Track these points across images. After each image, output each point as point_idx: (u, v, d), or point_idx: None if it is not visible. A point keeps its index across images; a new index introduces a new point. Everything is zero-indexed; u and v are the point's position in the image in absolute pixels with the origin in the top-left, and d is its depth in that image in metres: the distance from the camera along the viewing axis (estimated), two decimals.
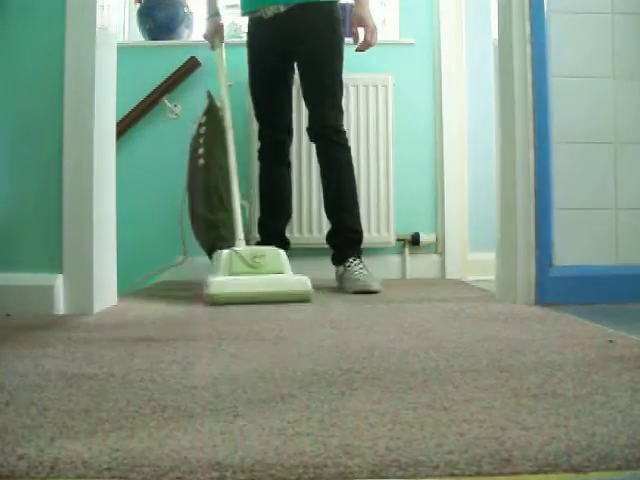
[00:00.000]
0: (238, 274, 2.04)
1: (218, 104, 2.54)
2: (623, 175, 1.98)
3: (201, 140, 2.61)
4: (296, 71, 2.55)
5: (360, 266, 2.37)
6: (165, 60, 2.99)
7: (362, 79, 2.66)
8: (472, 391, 0.91)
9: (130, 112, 2.94)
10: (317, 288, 2.13)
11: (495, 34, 2.05)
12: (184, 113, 3.04)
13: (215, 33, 2.51)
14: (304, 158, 2.92)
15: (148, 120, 3.03)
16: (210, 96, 2.64)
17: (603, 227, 1.97)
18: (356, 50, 2.48)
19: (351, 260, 2.38)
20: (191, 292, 2.32)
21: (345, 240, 2.43)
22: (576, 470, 0.62)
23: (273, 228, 2.58)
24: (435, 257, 3.01)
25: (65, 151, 1.81)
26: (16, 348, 1.28)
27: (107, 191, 1.95)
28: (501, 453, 0.65)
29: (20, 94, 1.84)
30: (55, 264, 1.80)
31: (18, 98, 1.84)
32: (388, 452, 0.66)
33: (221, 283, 2.01)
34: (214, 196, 2.53)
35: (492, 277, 2.11)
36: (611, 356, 1.14)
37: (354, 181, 2.47)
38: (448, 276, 2.97)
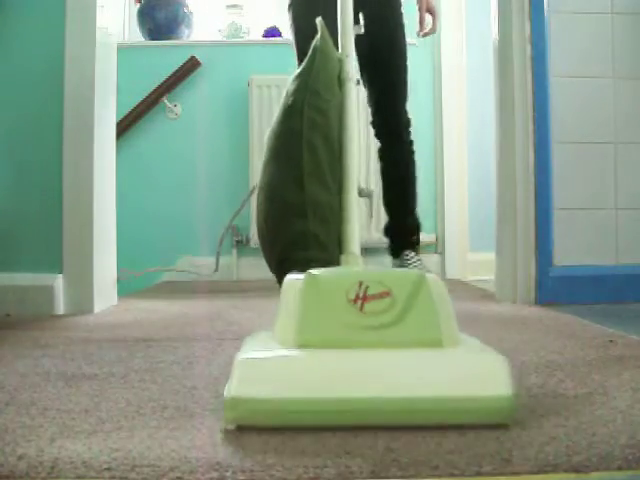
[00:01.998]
0: (327, 344, 0.77)
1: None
2: (623, 175, 1.98)
3: (296, 74, 1.36)
4: None
5: (415, 259, 2.36)
6: (165, 60, 3.00)
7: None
8: None
9: (130, 112, 2.94)
10: None
11: (495, 34, 2.05)
12: (184, 113, 3.04)
13: None
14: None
15: (148, 120, 3.03)
16: (316, 48, 1.35)
17: (603, 227, 1.97)
18: (423, 35, 2.44)
19: (407, 253, 2.37)
20: (191, 292, 2.32)
21: (403, 234, 2.41)
22: (576, 470, 0.62)
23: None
24: (435, 257, 3.01)
25: (65, 151, 1.81)
26: (16, 348, 1.28)
27: (107, 191, 1.95)
28: (501, 453, 0.65)
29: (20, 94, 1.84)
30: (55, 264, 1.80)
31: (18, 98, 1.84)
32: (388, 452, 0.66)
33: (267, 372, 0.78)
34: (304, 158, 1.25)
35: (492, 277, 2.11)
36: (611, 356, 1.14)
37: (415, 176, 2.40)
38: (448, 276, 2.97)
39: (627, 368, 1.04)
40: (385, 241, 2.48)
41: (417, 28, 2.42)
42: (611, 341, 1.28)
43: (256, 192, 1.39)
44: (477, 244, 2.95)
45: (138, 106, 2.97)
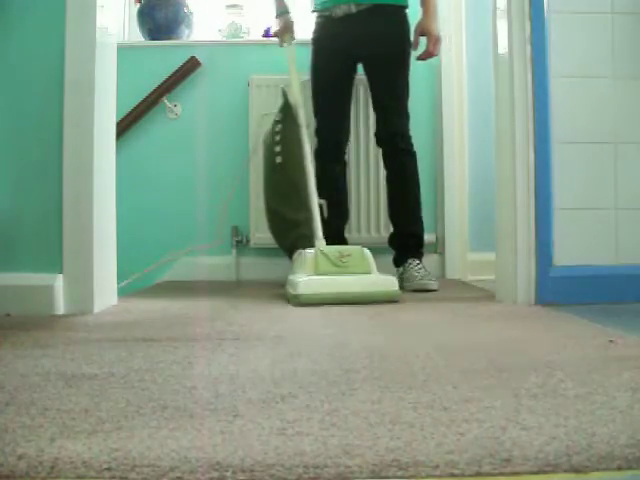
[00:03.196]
0: (325, 274, 1.99)
1: (292, 101, 2.50)
2: (623, 175, 1.98)
3: (277, 138, 2.54)
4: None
5: (419, 266, 2.43)
6: (165, 60, 3.00)
7: (362, 79, 2.66)
8: (472, 391, 0.91)
9: (130, 112, 2.94)
10: None
11: (495, 34, 2.05)
12: (184, 113, 3.04)
13: (285, 30, 2.50)
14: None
15: (148, 120, 3.03)
16: (284, 94, 2.58)
17: (603, 227, 1.97)
18: (417, 59, 2.54)
19: (410, 260, 2.45)
20: (191, 292, 2.32)
21: (407, 244, 2.51)
22: (576, 470, 0.62)
23: (333, 228, 2.56)
24: (435, 257, 3.01)
25: (65, 151, 1.81)
26: (16, 348, 1.28)
27: (107, 191, 1.95)
28: (501, 453, 0.65)
29: (20, 94, 1.84)
30: (55, 264, 1.80)
31: (18, 98, 1.84)
32: (388, 452, 0.66)
33: (308, 283, 1.96)
34: (293, 195, 2.44)
35: (492, 277, 2.11)
36: (611, 356, 1.14)
37: (419, 187, 2.53)
38: (448, 276, 2.97)
39: (627, 368, 1.04)
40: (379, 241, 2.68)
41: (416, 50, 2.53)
42: (611, 341, 1.28)
43: (265, 209, 2.65)
44: (477, 244, 2.95)
45: (138, 106, 2.97)
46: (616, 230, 1.97)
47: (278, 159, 2.48)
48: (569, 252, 1.94)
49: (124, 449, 0.68)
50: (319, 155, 2.55)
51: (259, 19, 3.25)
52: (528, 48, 1.94)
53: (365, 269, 2.03)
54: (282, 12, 2.52)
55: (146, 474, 0.62)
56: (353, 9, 2.45)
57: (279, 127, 2.52)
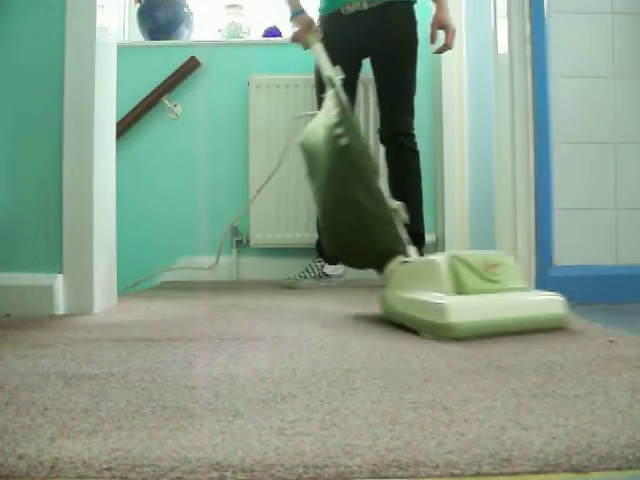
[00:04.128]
0: (475, 292, 1.40)
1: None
2: (623, 175, 1.98)
3: (337, 119, 1.93)
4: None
5: None
6: (165, 60, 3.00)
7: (362, 79, 2.66)
8: (472, 391, 0.91)
9: (130, 112, 2.94)
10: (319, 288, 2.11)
11: (495, 34, 2.05)
12: (184, 113, 3.04)
13: (307, 30, 2.36)
14: None
15: (148, 120, 3.03)
16: (332, 81, 2.07)
17: (603, 227, 1.97)
18: (435, 52, 2.54)
19: None
20: (191, 292, 2.32)
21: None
22: (576, 470, 0.62)
23: None
24: None
25: (65, 151, 1.81)
26: (16, 348, 1.28)
27: (107, 191, 1.95)
28: (501, 453, 0.65)
29: (20, 94, 1.84)
30: (55, 264, 1.80)
31: (18, 98, 1.84)
32: (388, 452, 0.66)
33: (463, 306, 1.36)
34: (373, 182, 1.78)
35: None
36: (611, 356, 1.14)
37: (421, 185, 2.52)
38: None
39: (627, 368, 1.04)
40: None
41: (430, 44, 2.51)
42: (611, 341, 1.28)
43: (324, 208, 1.85)
44: (477, 244, 2.95)
45: (138, 106, 2.97)
46: (616, 230, 1.97)
47: (343, 140, 1.85)
48: (569, 252, 1.94)
49: (124, 449, 0.68)
50: None
51: (259, 19, 3.25)
52: (528, 48, 1.95)
53: (521, 284, 1.49)
54: (298, 12, 2.43)
55: (146, 474, 0.62)
56: (365, 6, 2.45)
57: (337, 110, 1.95)
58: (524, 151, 1.94)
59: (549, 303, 1.46)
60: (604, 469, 0.62)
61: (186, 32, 3.13)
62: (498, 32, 2.03)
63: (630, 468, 0.62)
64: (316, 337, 1.38)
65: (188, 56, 2.99)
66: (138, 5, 3.12)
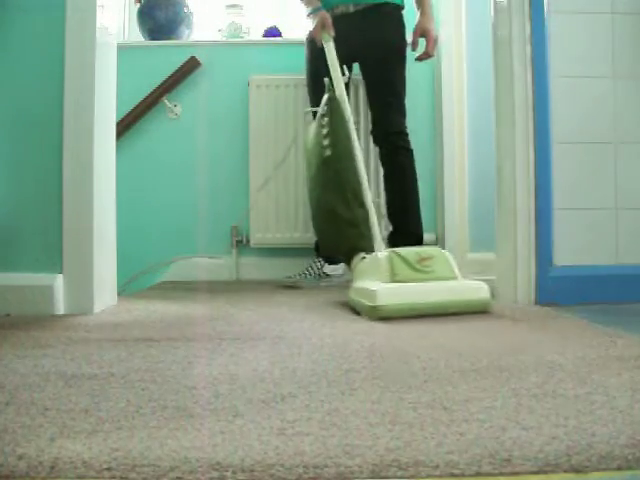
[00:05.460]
0: (404, 281, 1.70)
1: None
2: (623, 175, 1.98)
3: (325, 131, 2.24)
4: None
5: None
6: (165, 60, 3.00)
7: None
8: (472, 391, 0.91)
9: (130, 112, 2.94)
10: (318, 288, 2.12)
11: (495, 34, 2.05)
12: (184, 113, 3.04)
13: (323, 27, 2.37)
14: None
15: (148, 120, 3.03)
16: (329, 87, 2.28)
17: (603, 227, 1.97)
18: (416, 59, 2.55)
19: None
20: (191, 292, 2.32)
21: (407, 243, 2.44)
22: (576, 470, 0.62)
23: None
24: None
25: (65, 151, 1.81)
26: (16, 348, 1.28)
27: (107, 191, 1.95)
28: (501, 453, 0.65)
29: (20, 94, 1.84)
30: (55, 264, 1.80)
31: (18, 98, 1.84)
32: (388, 452, 0.66)
33: (388, 292, 1.66)
34: (347, 191, 2.12)
35: (492, 277, 2.11)
36: (611, 356, 1.14)
37: (417, 184, 2.53)
38: None
39: (627, 368, 1.04)
40: None
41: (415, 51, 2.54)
42: (611, 341, 1.28)
43: (312, 210, 2.29)
44: (477, 244, 2.95)
45: (138, 106, 2.97)
46: (616, 230, 1.97)
47: (327, 152, 2.18)
48: (569, 252, 1.94)
49: (124, 449, 0.68)
50: None
51: (259, 19, 3.25)
52: (528, 48, 1.94)
53: (450, 274, 1.75)
54: (315, 9, 2.43)
55: (146, 474, 0.62)
56: (351, 9, 2.47)
57: (326, 120, 2.23)
58: (524, 151, 1.94)
59: (471, 289, 1.74)
60: (604, 469, 0.62)
61: (186, 32, 3.13)
62: (498, 32, 2.03)
63: (630, 468, 0.62)
64: (316, 337, 1.38)
65: (188, 56, 2.99)
66: (138, 5, 3.12)
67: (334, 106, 2.23)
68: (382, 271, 1.73)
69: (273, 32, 3.13)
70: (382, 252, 1.83)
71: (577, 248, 1.95)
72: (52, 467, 0.63)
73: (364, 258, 1.93)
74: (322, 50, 2.34)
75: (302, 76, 2.90)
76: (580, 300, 1.87)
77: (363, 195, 2.08)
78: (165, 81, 2.99)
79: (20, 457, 0.65)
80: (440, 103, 3.03)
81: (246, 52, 3.06)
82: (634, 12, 1.98)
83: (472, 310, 1.68)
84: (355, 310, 1.78)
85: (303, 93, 2.92)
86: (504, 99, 1.99)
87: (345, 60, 2.50)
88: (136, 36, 3.17)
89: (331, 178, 2.16)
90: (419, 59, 2.55)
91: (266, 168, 2.95)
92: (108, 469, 0.63)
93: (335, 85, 2.22)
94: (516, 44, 1.95)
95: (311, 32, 2.44)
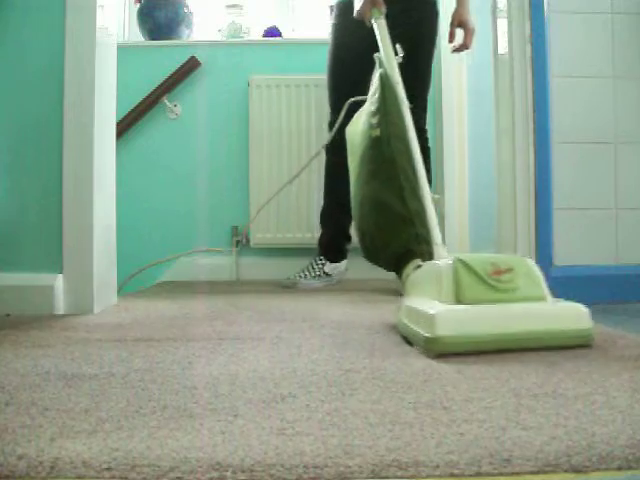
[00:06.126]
0: (475, 301, 1.21)
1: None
2: (623, 175, 1.98)
3: (374, 108, 1.90)
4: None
5: None
6: (165, 60, 3.00)
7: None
8: (472, 391, 0.91)
9: (130, 112, 2.94)
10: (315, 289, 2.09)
11: (495, 34, 2.05)
12: (184, 113, 3.04)
13: (373, 4, 2.13)
14: None
15: (148, 120, 3.03)
16: (381, 62, 1.97)
17: (603, 227, 1.97)
18: (453, 51, 2.44)
19: None
20: (191, 292, 2.32)
21: None
22: (576, 470, 0.62)
23: (339, 222, 2.52)
24: None
25: (65, 151, 1.81)
26: (16, 348, 1.28)
27: (107, 191, 1.95)
28: (501, 453, 0.65)
29: (20, 94, 1.84)
30: (55, 264, 1.80)
31: (18, 98, 1.84)
32: (388, 452, 0.66)
33: (454, 317, 1.18)
34: (400, 178, 1.72)
35: None
36: (611, 356, 1.14)
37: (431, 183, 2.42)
38: None
39: (627, 368, 1.04)
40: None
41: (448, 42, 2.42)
42: (611, 341, 1.28)
43: (355, 203, 1.85)
44: (477, 244, 2.95)
45: (138, 106, 2.97)
46: (616, 230, 1.97)
47: (376, 132, 1.81)
48: (569, 252, 1.94)
49: (124, 449, 0.68)
50: (333, 149, 2.44)
51: (259, 19, 3.25)
52: (528, 48, 1.95)
53: (537, 293, 1.28)
54: None
55: (146, 474, 0.62)
56: None
57: (376, 96, 1.88)
58: (524, 151, 1.94)
59: (569, 315, 1.24)
60: (604, 469, 0.62)
61: (186, 32, 3.13)
62: (498, 32, 2.03)
63: (630, 468, 0.62)
64: (316, 337, 1.38)
65: (188, 56, 2.99)
66: (138, 5, 3.12)
67: (386, 82, 1.85)
68: (443, 287, 1.26)
69: (273, 32, 3.13)
70: (444, 259, 1.35)
71: (577, 248, 1.95)
72: (52, 467, 0.63)
73: (419, 266, 1.50)
74: (351, 37, 2.22)
75: (302, 76, 2.90)
76: (580, 300, 1.86)
77: (420, 186, 1.65)
78: (165, 81, 2.99)
79: (20, 457, 0.65)
80: (440, 103, 3.03)
81: (246, 52, 3.06)
82: (634, 12, 1.98)
83: (566, 344, 1.21)
84: (406, 339, 1.33)
85: (303, 93, 2.92)
86: (504, 99, 1.99)
87: (372, 49, 2.39)
88: (136, 36, 3.17)
89: (380, 163, 1.74)
90: (456, 51, 2.43)
91: (266, 168, 2.95)
92: (108, 469, 0.63)
93: (387, 64, 1.87)
94: (516, 44, 1.95)
95: (358, 11, 2.22)
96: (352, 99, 2.23)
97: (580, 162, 1.97)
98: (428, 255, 1.55)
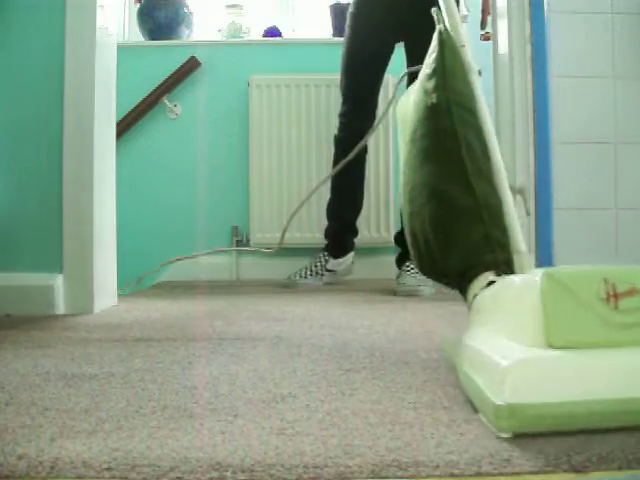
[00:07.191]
0: (578, 344, 0.75)
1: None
2: (623, 175, 1.98)
3: (429, 70, 1.33)
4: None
5: (414, 271, 2.28)
6: (165, 60, 3.00)
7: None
8: None
9: (130, 112, 2.94)
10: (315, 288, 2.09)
11: (495, 34, 2.05)
12: (184, 113, 3.04)
13: None
14: None
15: (148, 120, 3.03)
16: (439, 18, 1.33)
17: (603, 227, 1.97)
18: (483, 39, 2.35)
19: (408, 264, 2.33)
20: (191, 292, 2.32)
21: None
22: (576, 470, 0.62)
23: (346, 216, 2.51)
24: None
25: (65, 151, 1.81)
26: (16, 348, 1.28)
27: (107, 191, 1.95)
28: (501, 453, 0.65)
29: (20, 94, 1.84)
30: (55, 264, 1.80)
31: (18, 98, 1.84)
32: (388, 452, 0.66)
33: (543, 373, 0.72)
34: (464, 156, 1.16)
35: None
36: None
37: None
38: None
39: None
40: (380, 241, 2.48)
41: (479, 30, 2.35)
42: None
43: (404, 196, 1.29)
44: None
45: (138, 106, 2.97)
46: (616, 230, 1.97)
47: (432, 99, 1.25)
48: (569, 252, 1.94)
49: (124, 449, 0.68)
50: (342, 143, 2.39)
51: (259, 19, 3.25)
52: (528, 48, 1.95)
53: None
54: None
55: (146, 474, 0.62)
56: None
57: (433, 56, 1.31)
58: (524, 151, 1.94)
59: None
60: (604, 469, 0.62)
61: (186, 32, 3.13)
62: (498, 32, 2.03)
63: (630, 468, 0.62)
64: (316, 337, 1.38)
65: (188, 56, 2.99)
66: (138, 5, 3.12)
67: (446, 40, 1.31)
68: (527, 318, 0.79)
69: (273, 32, 3.13)
70: (528, 274, 0.93)
71: (577, 248, 1.95)
72: (52, 467, 0.63)
73: (492, 282, 0.99)
74: (368, 25, 2.13)
75: (302, 76, 2.90)
76: None
77: (492, 170, 1.16)
78: (165, 81, 2.99)
79: (20, 457, 0.65)
80: None
81: (246, 52, 3.06)
82: (634, 12, 1.98)
83: None
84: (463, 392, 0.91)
85: (304, 93, 2.92)
86: (504, 100, 1.99)
87: (395, 35, 2.24)
88: (136, 36, 3.17)
89: (437, 138, 1.22)
90: (486, 39, 2.33)
91: (266, 168, 2.95)
92: (108, 469, 0.63)
93: (449, 19, 1.31)
94: (516, 44, 1.95)
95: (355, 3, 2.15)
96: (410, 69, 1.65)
97: (580, 162, 1.97)
98: (505, 266, 1.03)
